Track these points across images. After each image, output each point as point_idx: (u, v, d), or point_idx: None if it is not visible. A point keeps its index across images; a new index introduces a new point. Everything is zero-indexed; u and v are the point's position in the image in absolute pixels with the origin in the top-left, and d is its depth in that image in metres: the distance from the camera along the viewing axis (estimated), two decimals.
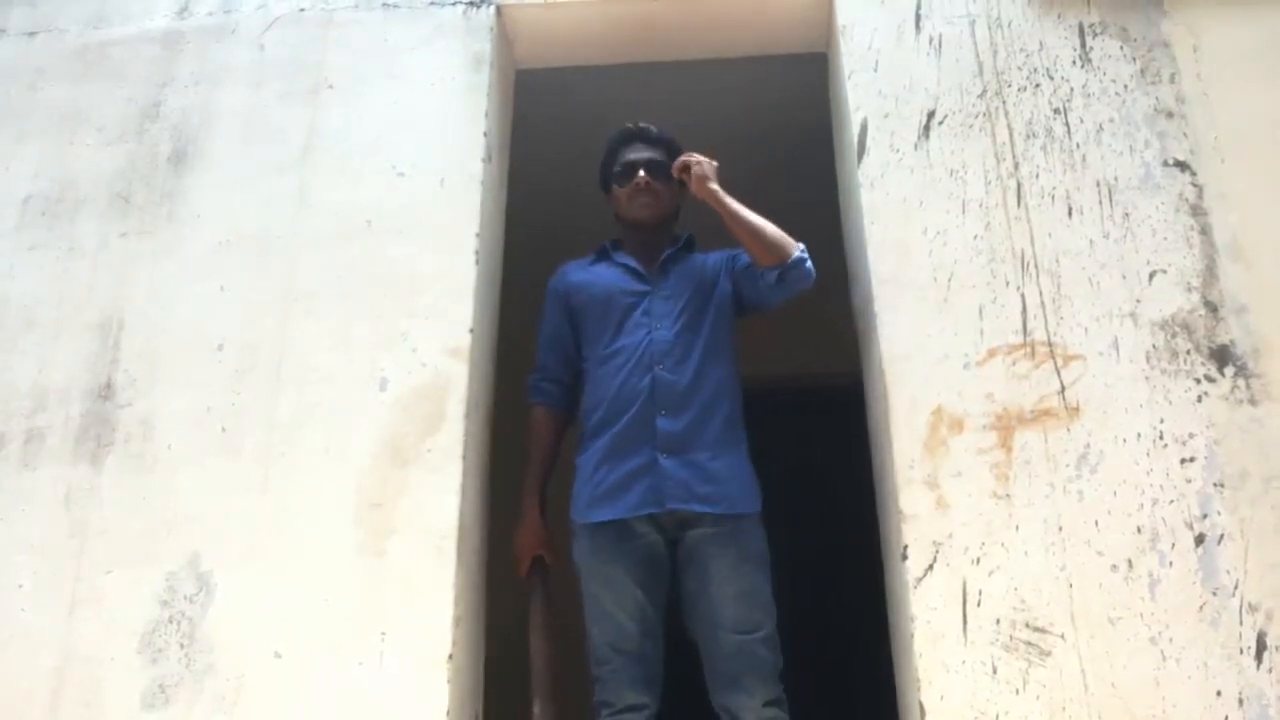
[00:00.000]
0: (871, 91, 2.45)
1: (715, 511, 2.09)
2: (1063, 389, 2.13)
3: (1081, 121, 2.38)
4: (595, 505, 2.14)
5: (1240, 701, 1.89)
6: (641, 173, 2.33)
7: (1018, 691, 1.92)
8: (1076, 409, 2.11)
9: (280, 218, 2.41)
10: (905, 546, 2.03)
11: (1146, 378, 2.13)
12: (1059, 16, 2.51)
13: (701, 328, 2.24)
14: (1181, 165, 2.33)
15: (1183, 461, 2.06)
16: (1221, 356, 2.14)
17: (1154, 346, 2.16)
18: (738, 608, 2.06)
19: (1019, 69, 2.45)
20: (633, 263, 2.34)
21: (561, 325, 2.36)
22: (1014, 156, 2.35)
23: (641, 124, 2.42)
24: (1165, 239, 2.25)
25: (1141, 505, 2.03)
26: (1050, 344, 2.17)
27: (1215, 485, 2.04)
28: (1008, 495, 2.05)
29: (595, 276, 2.36)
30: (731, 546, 2.09)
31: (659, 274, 2.32)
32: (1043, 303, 2.21)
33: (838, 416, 3.07)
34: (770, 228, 2.19)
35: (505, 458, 2.40)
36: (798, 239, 2.24)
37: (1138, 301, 2.20)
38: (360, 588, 2.05)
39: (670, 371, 2.17)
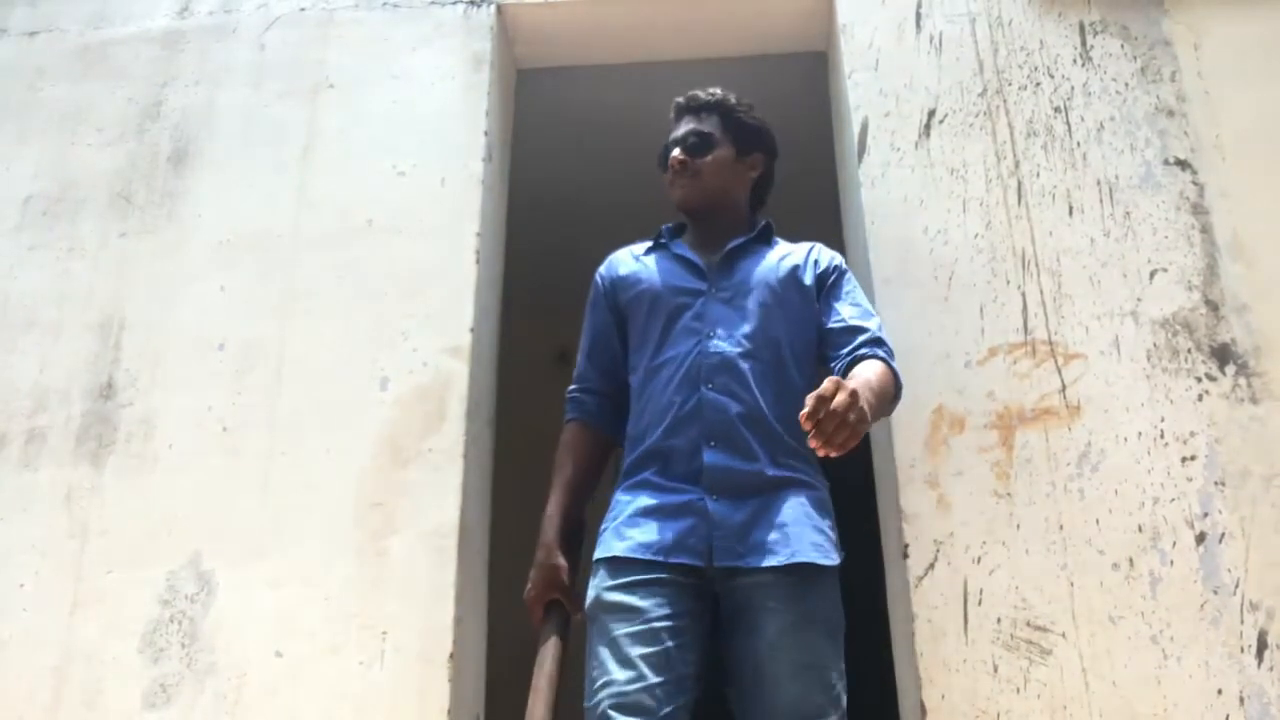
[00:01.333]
0: (872, 90, 2.45)
1: (776, 564, 1.63)
2: (1064, 388, 2.13)
3: (1082, 120, 2.38)
4: (619, 538, 1.70)
5: (1241, 700, 1.89)
6: (676, 151, 1.95)
7: (1019, 690, 1.92)
8: (1077, 408, 2.11)
9: (281, 217, 2.41)
10: (906, 545, 2.03)
11: (1147, 376, 2.13)
12: (1060, 15, 2.50)
13: (768, 338, 1.81)
14: (1182, 164, 2.32)
15: (1184, 460, 2.06)
16: (1222, 355, 2.14)
17: (1155, 345, 2.16)
18: (796, 686, 1.57)
19: (1020, 67, 2.45)
20: (690, 254, 1.93)
21: (606, 326, 1.96)
22: (1015, 155, 2.35)
23: (692, 92, 2.04)
24: (1166, 238, 2.25)
25: (1142, 504, 2.03)
26: (1051, 343, 2.17)
27: (1216, 484, 2.04)
28: (1009, 494, 2.05)
29: (645, 269, 1.95)
30: (795, 603, 1.61)
31: (720, 269, 1.90)
32: (1043, 301, 2.21)
33: None
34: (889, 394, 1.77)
35: (505, 457, 2.40)
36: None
37: (1139, 300, 2.20)
38: (361, 587, 2.05)
39: (722, 392, 1.74)
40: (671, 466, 1.73)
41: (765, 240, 1.98)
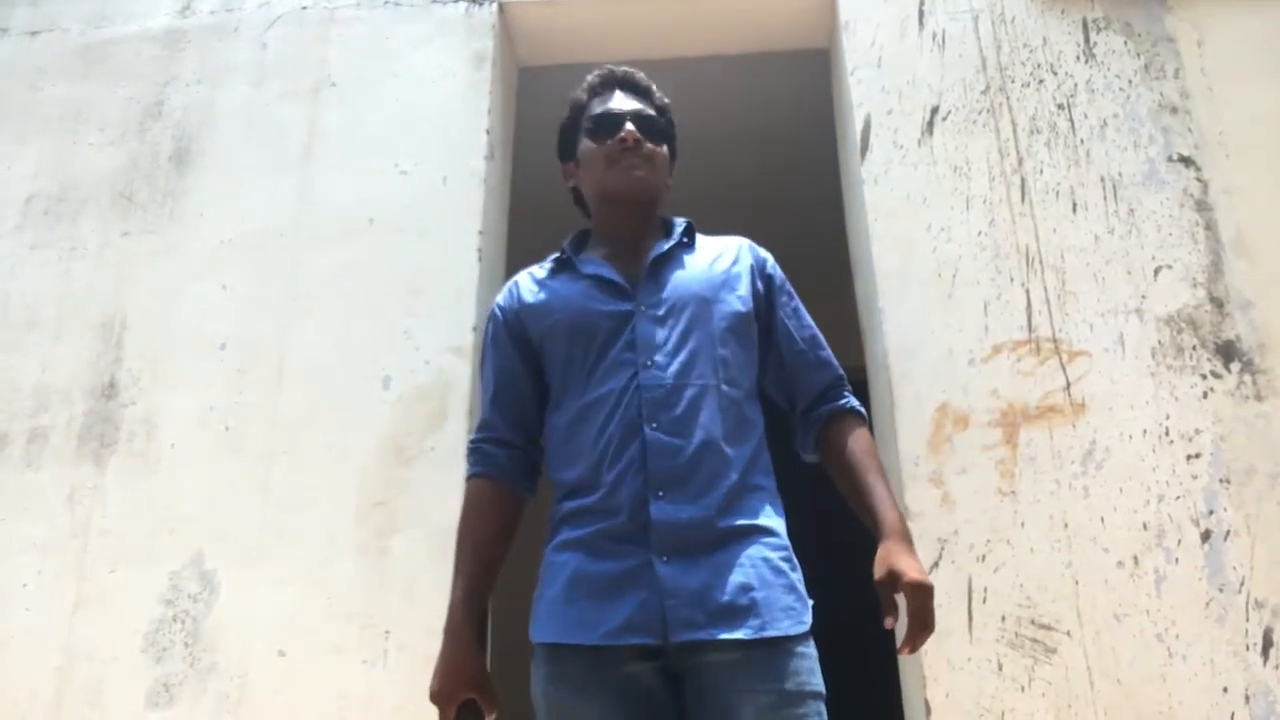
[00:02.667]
0: (875, 88, 2.44)
1: (744, 637, 1.39)
2: (1068, 385, 2.12)
3: (1085, 117, 2.37)
4: (560, 621, 1.44)
5: (1247, 698, 1.88)
6: (630, 125, 1.62)
7: (1023, 688, 1.91)
8: (1082, 405, 2.10)
9: (282, 216, 2.40)
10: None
11: (1152, 374, 2.12)
12: (1063, 12, 2.50)
13: (714, 360, 1.54)
14: (1186, 160, 2.32)
15: (1188, 458, 2.05)
16: (1227, 352, 2.14)
17: (1159, 342, 2.15)
18: None
19: (1023, 64, 2.44)
20: (606, 271, 1.60)
21: (513, 366, 1.63)
22: (1018, 152, 2.34)
23: (625, 69, 1.72)
24: (1170, 234, 2.25)
25: (1147, 501, 2.02)
26: (1055, 340, 2.16)
27: (1221, 481, 2.03)
28: (1013, 492, 2.04)
29: (555, 295, 1.62)
30: (770, 681, 1.38)
31: (647, 284, 1.58)
32: (1047, 299, 2.20)
33: None
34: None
35: None
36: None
37: (1143, 297, 2.19)
38: (363, 586, 2.05)
39: (669, 431, 1.47)
40: (613, 523, 1.45)
41: (689, 243, 1.67)
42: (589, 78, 1.72)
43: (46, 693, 2.01)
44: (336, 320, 2.29)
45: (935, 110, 2.40)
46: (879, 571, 1.43)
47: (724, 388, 1.53)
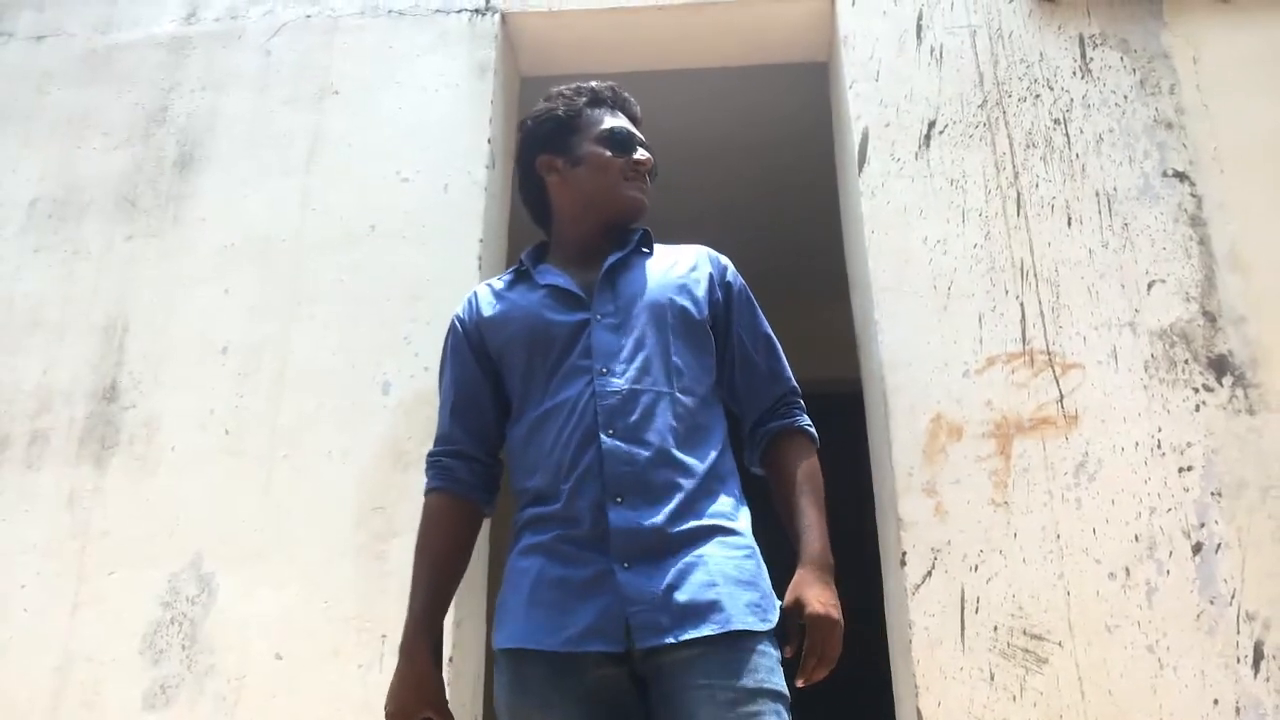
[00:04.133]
0: (873, 101, 2.46)
1: (707, 633, 1.38)
2: (1061, 397, 2.14)
3: (1081, 132, 2.39)
4: (522, 626, 1.43)
5: (1237, 710, 1.90)
6: (647, 155, 1.67)
7: (1015, 698, 1.92)
8: (1075, 417, 2.12)
9: (285, 222, 2.42)
10: (904, 553, 2.04)
11: (1145, 387, 2.14)
12: (1059, 28, 2.52)
13: (668, 365, 1.54)
14: (1181, 176, 2.34)
15: (1180, 470, 2.07)
16: (1220, 366, 2.16)
17: (1152, 356, 2.17)
18: None
19: (1019, 79, 2.46)
20: (562, 280, 1.60)
21: (474, 379, 1.63)
22: (1014, 166, 2.37)
23: (622, 92, 1.75)
24: (1164, 249, 2.27)
25: (1139, 514, 2.04)
26: (1049, 353, 2.18)
27: (1213, 494, 2.05)
28: (1006, 503, 2.06)
29: (513, 306, 1.62)
30: (728, 677, 1.36)
31: (601, 291, 1.59)
32: (1042, 312, 2.22)
33: (837, 423, 3.08)
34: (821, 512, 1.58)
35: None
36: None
37: (1136, 311, 2.21)
38: (361, 590, 2.06)
39: (624, 438, 1.47)
40: (573, 531, 1.45)
41: (644, 250, 1.67)
42: (590, 85, 1.73)
43: (44, 694, 2.02)
44: (338, 325, 2.30)
45: (932, 124, 2.42)
46: (787, 599, 1.45)
47: (678, 395, 1.53)
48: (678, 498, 1.45)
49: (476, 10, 2.65)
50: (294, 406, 2.23)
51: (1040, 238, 2.29)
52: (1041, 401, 2.14)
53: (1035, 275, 2.25)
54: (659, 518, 1.43)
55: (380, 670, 1.99)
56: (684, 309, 1.59)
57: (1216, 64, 2.44)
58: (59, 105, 2.63)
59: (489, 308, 1.65)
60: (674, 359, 1.55)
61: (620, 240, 1.66)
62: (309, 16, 2.68)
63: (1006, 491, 2.07)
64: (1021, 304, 2.23)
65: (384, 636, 2.02)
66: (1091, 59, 2.48)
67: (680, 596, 1.39)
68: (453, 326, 1.68)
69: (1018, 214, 2.32)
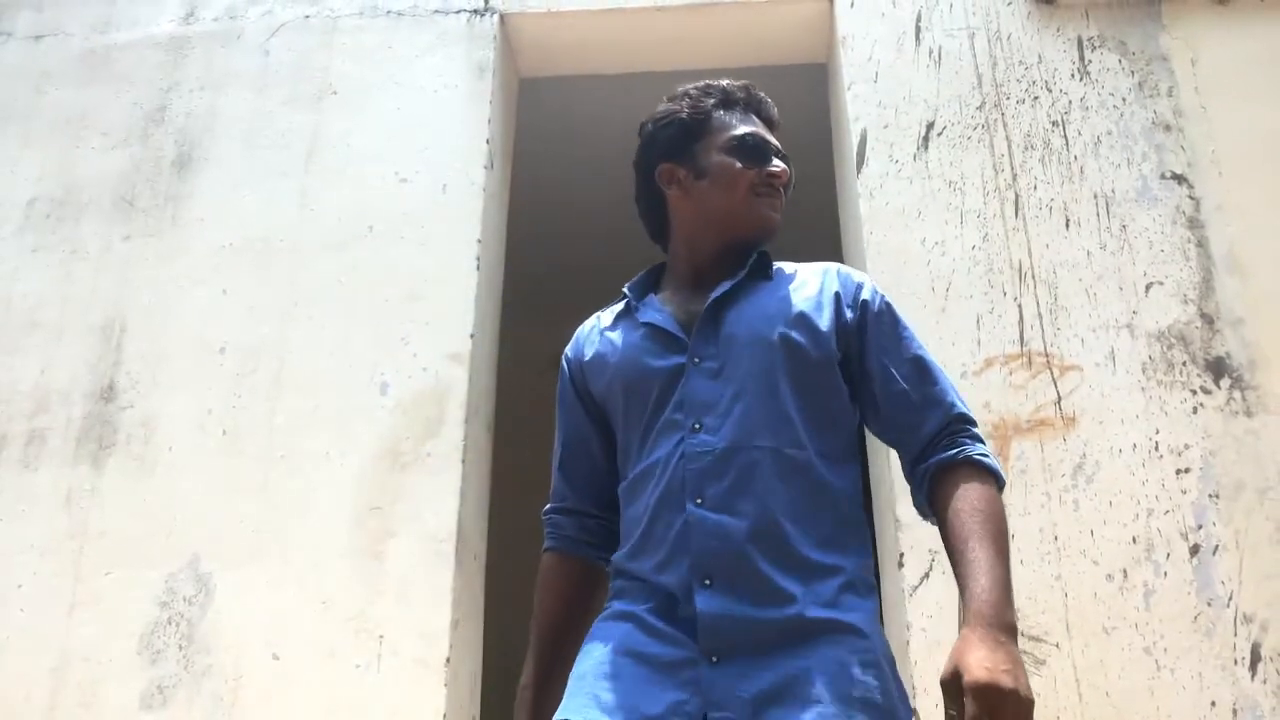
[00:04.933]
0: (871, 102, 2.46)
1: None
2: (1059, 399, 2.14)
3: (1079, 134, 2.40)
4: (585, 697, 1.22)
5: (1234, 712, 1.90)
6: (784, 166, 1.44)
7: None
8: (1073, 419, 2.12)
9: (283, 222, 2.42)
10: (902, 554, 2.03)
11: (1142, 389, 2.14)
12: (1058, 30, 2.52)
13: (775, 418, 1.29)
14: (1179, 178, 2.34)
15: (1178, 472, 2.07)
16: (1217, 368, 2.16)
17: (1150, 358, 2.17)
18: None
19: (1018, 81, 2.47)
20: (661, 316, 1.37)
21: (580, 427, 1.45)
22: (1012, 168, 2.37)
23: (760, 95, 1.49)
24: (1162, 251, 2.27)
25: (1137, 515, 2.04)
26: (1047, 354, 2.18)
27: (1210, 496, 2.05)
28: (1004, 504, 2.05)
29: (612, 348, 1.41)
30: None
31: (702, 331, 1.34)
32: (1040, 313, 2.22)
33: None
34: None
35: (503, 462, 2.41)
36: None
37: (1134, 313, 2.21)
38: (358, 591, 2.06)
39: (716, 507, 1.24)
40: (661, 604, 1.25)
41: (761, 275, 1.41)
42: (721, 84, 1.47)
43: (41, 693, 2.01)
44: (335, 326, 2.30)
45: (931, 125, 2.43)
46: (946, 667, 1.10)
47: (788, 451, 1.27)
48: (781, 582, 1.20)
49: (475, 11, 2.65)
50: (292, 407, 2.22)
51: (1038, 239, 2.29)
52: (1039, 403, 2.14)
53: (1033, 277, 2.25)
54: (755, 607, 1.19)
55: (376, 670, 1.99)
56: (799, 346, 1.31)
57: (1215, 66, 2.45)
58: (57, 105, 2.62)
59: (590, 348, 1.44)
60: (784, 408, 1.28)
61: (735, 265, 1.40)
62: (308, 17, 2.68)
63: (1004, 493, 2.06)
64: (1019, 305, 2.23)
65: (381, 637, 2.02)
66: (1090, 61, 2.48)
67: (773, 712, 1.13)
68: (561, 369, 1.49)
69: (1016, 216, 2.32)
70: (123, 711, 1.99)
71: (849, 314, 1.36)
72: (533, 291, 3.52)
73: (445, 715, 1.95)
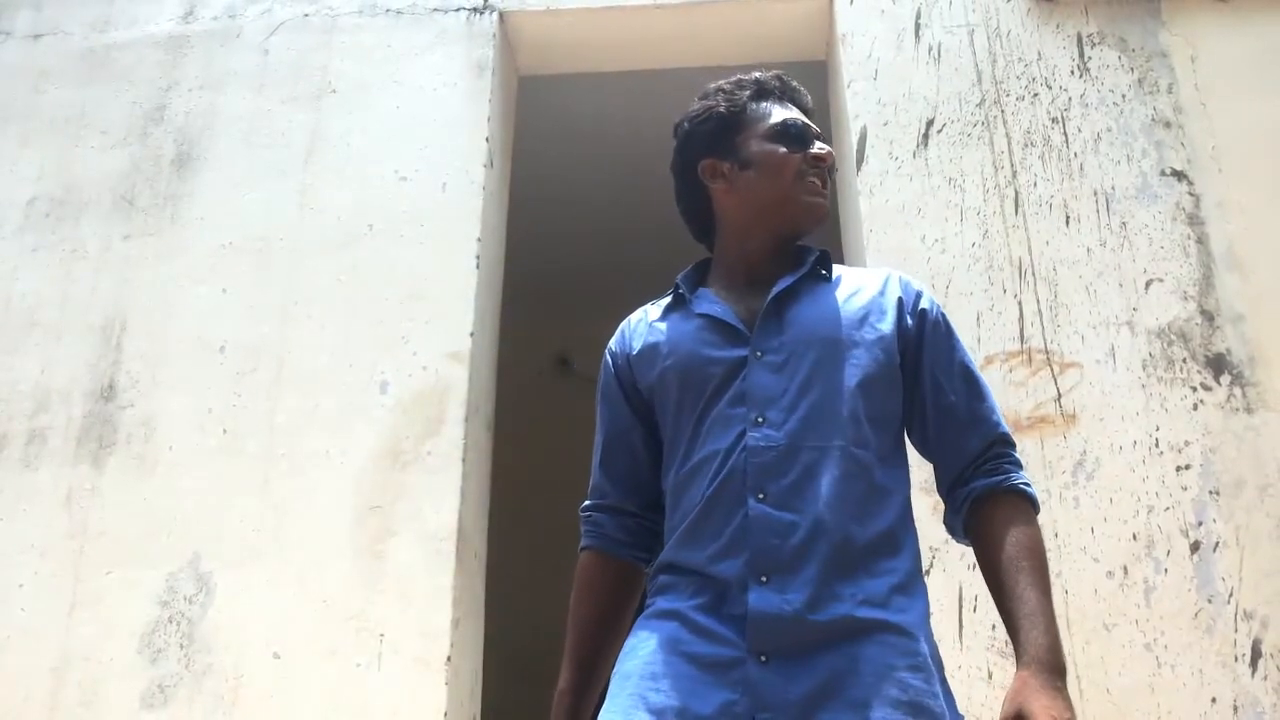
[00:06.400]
0: (871, 100, 2.46)
1: None
2: (1059, 396, 2.14)
3: (1079, 131, 2.39)
4: (630, 698, 1.21)
5: (1235, 709, 1.90)
6: (827, 148, 1.41)
7: None
8: (1073, 416, 2.12)
9: (283, 221, 2.42)
10: None
11: (1143, 386, 2.14)
12: (1058, 27, 2.52)
13: (839, 417, 1.28)
14: (1179, 175, 2.34)
15: (1178, 469, 2.07)
16: (1218, 365, 2.16)
17: (1150, 355, 2.17)
18: None
19: (1018, 78, 2.46)
20: (719, 310, 1.36)
21: (624, 422, 1.42)
22: (1012, 165, 2.37)
23: (792, 82, 1.46)
24: (1162, 248, 2.27)
25: (1137, 512, 2.04)
26: (1047, 351, 2.18)
27: (1211, 493, 2.05)
28: None
29: (665, 339, 1.38)
30: None
31: (765, 324, 1.33)
32: (1040, 310, 2.22)
33: None
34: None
35: (504, 461, 2.41)
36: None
37: (1134, 310, 2.21)
38: (359, 589, 2.06)
39: (778, 504, 1.23)
40: (710, 601, 1.23)
41: (822, 274, 1.40)
42: (754, 76, 1.45)
43: (42, 693, 2.01)
44: (335, 325, 2.30)
45: (930, 123, 2.42)
46: (1006, 709, 1.12)
47: (852, 449, 1.26)
48: (839, 581, 1.19)
49: (474, 9, 2.65)
50: (292, 406, 2.22)
51: (1038, 237, 2.29)
52: (1039, 400, 2.14)
53: (1033, 274, 2.25)
54: (810, 605, 1.18)
55: (377, 669, 1.99)
56: (863, 347, 1.31)
57: (1214, 63, 2.45)
58: (57, 104, 2.62)
59: (639, 340, 1.41)
60: (850, 407, 1.27)
61: (794, 261, 1.39)
62: (307, 15, 2.68)
63: None
64: (1020, 303, 2.23)
65: (381, 636, 2.02)
66: (1090, 58, 2.48)
67: (821, 716, 1.13)
68: (604, 363, 1.45)
69: (1016, 213, 2.32)
70: (123, 711, 1.99)
71: (909, 321, 1.36)
72: (532, 290, 3.52)
73: (446, 714, 1.95)
